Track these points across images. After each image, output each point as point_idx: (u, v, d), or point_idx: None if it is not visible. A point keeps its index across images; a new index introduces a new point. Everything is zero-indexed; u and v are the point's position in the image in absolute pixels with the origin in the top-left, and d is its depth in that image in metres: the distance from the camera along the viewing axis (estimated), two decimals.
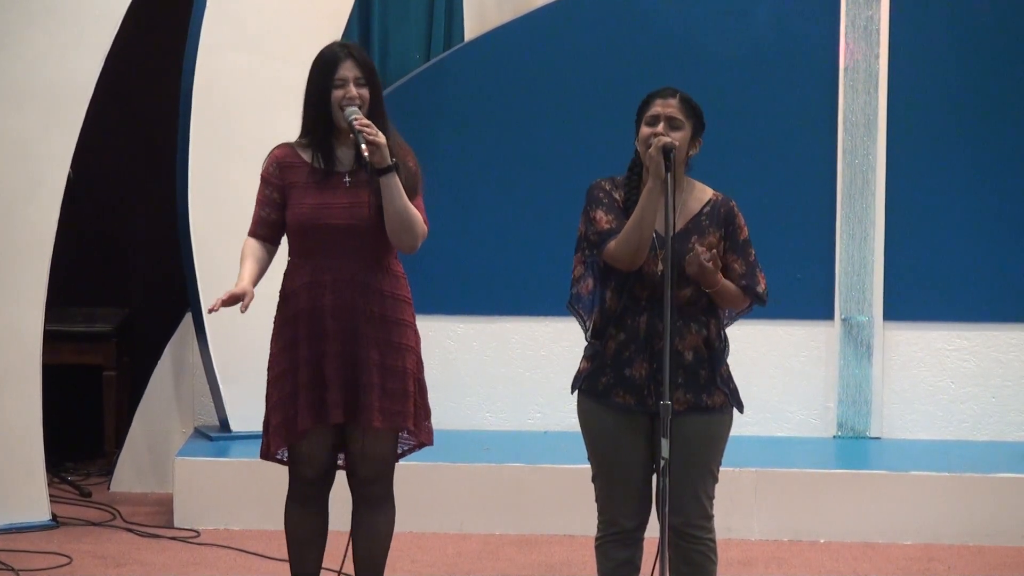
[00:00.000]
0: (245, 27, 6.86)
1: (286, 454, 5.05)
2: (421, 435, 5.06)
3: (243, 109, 6.81)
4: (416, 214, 4.91)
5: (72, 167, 6.57)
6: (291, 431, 4.94)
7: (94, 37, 6.53)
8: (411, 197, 4.92)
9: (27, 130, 6.48)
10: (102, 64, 6.54)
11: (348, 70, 4.90)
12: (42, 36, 6.47)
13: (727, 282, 4.67)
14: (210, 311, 4.82)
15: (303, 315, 4.92)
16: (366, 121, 4.83)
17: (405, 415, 4.97)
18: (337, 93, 4.88)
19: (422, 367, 5.07)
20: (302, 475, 5.03)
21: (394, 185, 4.85)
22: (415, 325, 5.05)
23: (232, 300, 4.80)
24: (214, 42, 6.78)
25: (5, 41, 6.44)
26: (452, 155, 7.24)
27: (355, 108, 4.86)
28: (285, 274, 5.00)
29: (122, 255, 8.10)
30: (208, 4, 6.75)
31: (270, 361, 5.01)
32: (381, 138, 4.82)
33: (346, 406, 4.92)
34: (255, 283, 4.89)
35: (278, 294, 5.01)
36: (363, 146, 4.79)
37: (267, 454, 5.04)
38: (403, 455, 5.09)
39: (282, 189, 4.94)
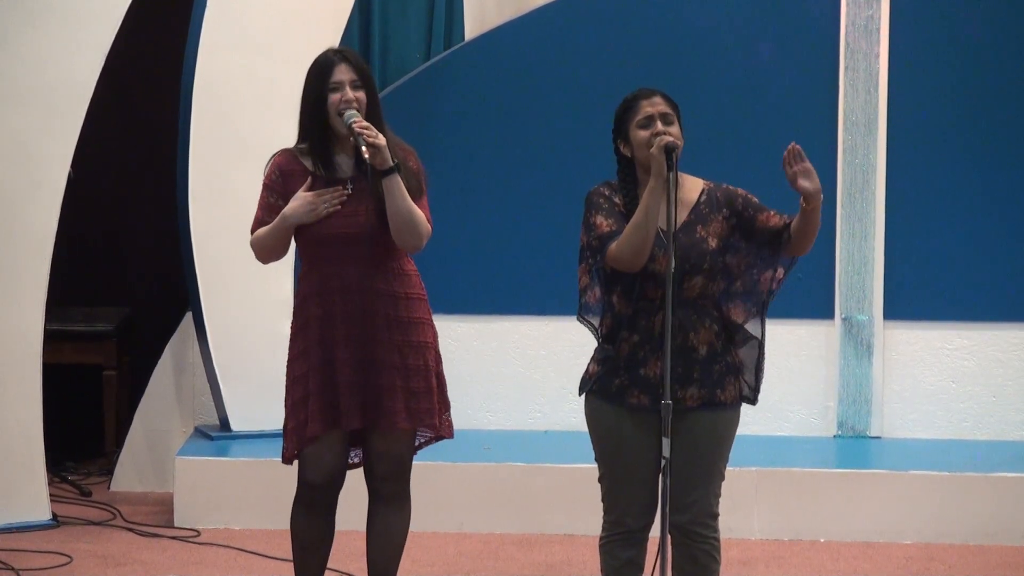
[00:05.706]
0: (245, 27, 6.86)
1: None
2: (443, 429, 5.05)
3: (243, 110, 6.81)
4: (420, 214, 4.90)
5: (72, 167, 6.57)
6: (302, 436, 4.94)
7: (94, 37, 6.52)
8: (415, 197, 4.91)
9: (27, 130, 6.48)
10: (102, 64, 6.54)
11: (343, 73, 4.88)
12: (42, 36, 6.47)
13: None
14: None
15: (315, 322, 4.92)
16: (365, 123, 4.81)
17: (432, 412, 4.98)
18: (333, 97, 4.87)
19: (441, 361, 5.06)
20: (308, 480, 5.00)
21: (396, 186, 4.84)
22: (431, 321, 5.05)
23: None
24: (214, 42, 6.78)
25: (5, 41, 6.43)
26: (452, 155, 7.24)
27: (353, 111, 4.85)
28: (299, 279, 5.02)
29: (122, 255, 8.10)
30: (208, 4, 6.75)
31: (287, 366, 5.01)
32: (381, 140, 4.81)
33: (364, 411, 4.92)
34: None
35: (293, 298, 5.03)
36: (363, 148, 4.78)
37: (287, 458, 5.03)
38: (419, 448, 5.08)
39: (286, 197, 4.92)
